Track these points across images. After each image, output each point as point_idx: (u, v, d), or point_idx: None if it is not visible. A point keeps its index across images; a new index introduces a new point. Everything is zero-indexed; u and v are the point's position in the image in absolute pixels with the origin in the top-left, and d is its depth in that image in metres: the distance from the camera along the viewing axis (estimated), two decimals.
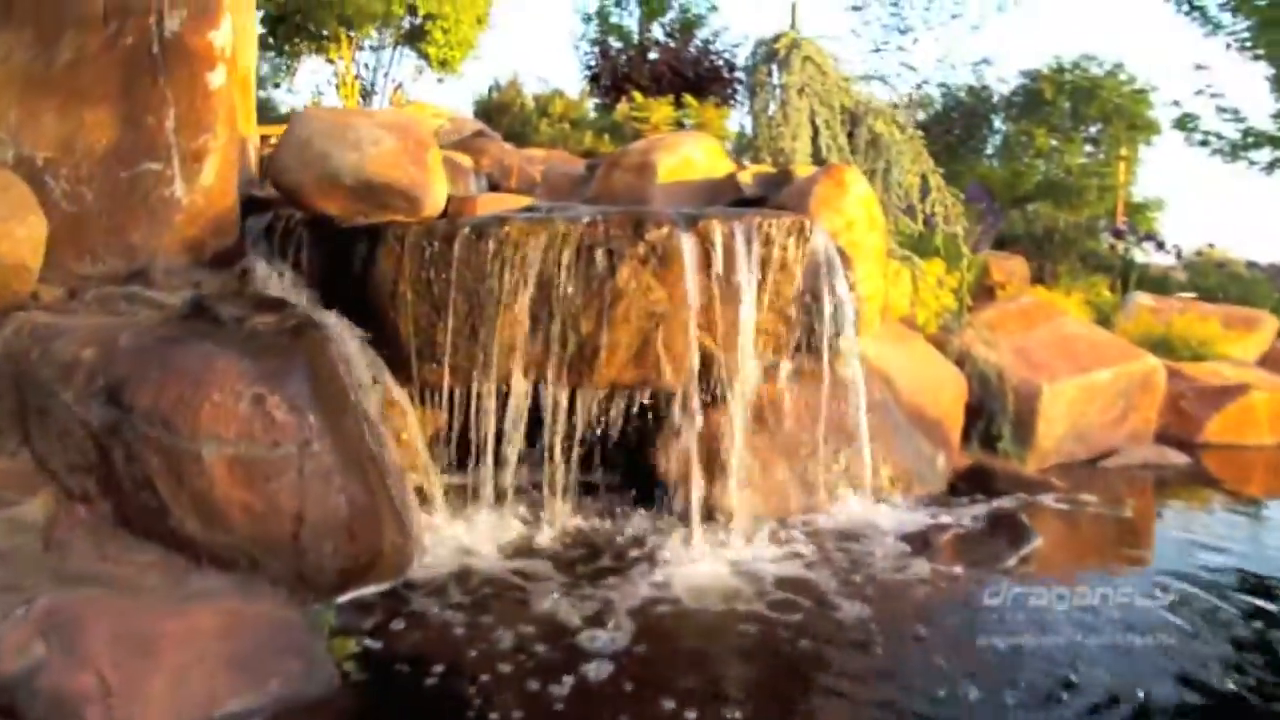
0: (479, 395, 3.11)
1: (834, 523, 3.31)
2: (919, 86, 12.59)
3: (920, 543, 3.09)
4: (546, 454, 3.19)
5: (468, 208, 3.44)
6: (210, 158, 2.66)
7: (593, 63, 10.22)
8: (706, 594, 2.57)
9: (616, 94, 9.04)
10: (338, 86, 6.73)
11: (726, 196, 4.27)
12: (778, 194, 4.01)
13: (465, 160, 5.43)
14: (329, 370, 2.46)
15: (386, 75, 8.63)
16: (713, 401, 3.24)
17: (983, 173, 9.98)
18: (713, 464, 3.22)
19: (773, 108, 4.72)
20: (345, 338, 2.82)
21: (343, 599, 2.38)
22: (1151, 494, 4.19)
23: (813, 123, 5.16)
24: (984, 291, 6.74)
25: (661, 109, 7.51)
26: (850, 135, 5.50)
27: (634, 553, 2.92)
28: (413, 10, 7.49)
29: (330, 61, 7.53)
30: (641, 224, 3.00)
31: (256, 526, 2.16)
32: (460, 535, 2.96)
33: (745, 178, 4.02)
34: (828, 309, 3.31)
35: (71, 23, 2.64)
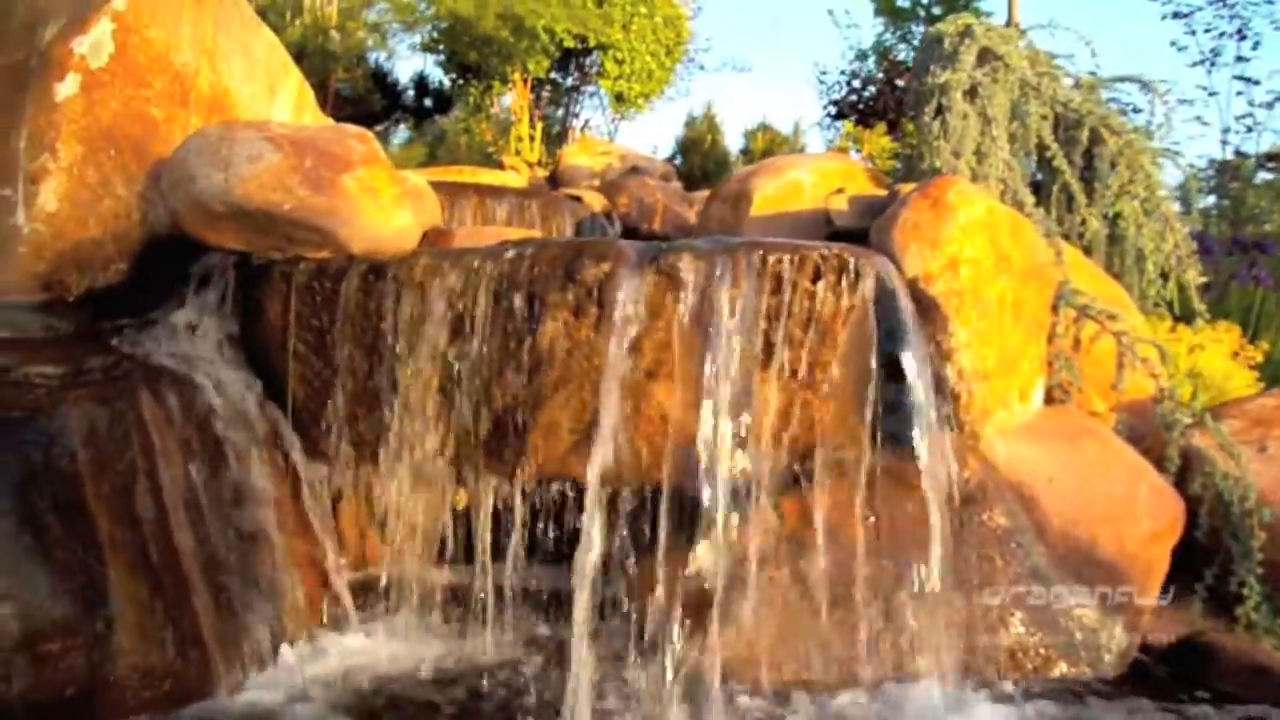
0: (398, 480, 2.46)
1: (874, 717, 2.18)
2: (1270, 106, 9.78)
3: None
4: (479, 562, 2.45)
5: (442, 241, 2.83)
6: (49, 181, 2.32)
7: (838, 96, 9.23)
8: None
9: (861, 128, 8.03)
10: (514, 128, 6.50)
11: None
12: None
13: (595, 200, 4.86)
14: (101, 438, 1.95)
15: (576, 115, 8.36)
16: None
17: None
18: (695, 604, 2.27)
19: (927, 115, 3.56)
20: (195, 399, 2.33)
21: None
22: None
23: (1024, 138, 3.90)
24: None
25: (876, 139, 6.43)
26: (1089, 154, 4.13)
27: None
28: (583, 41, 7.10)
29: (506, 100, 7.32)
30: (577, 259, 2.18)
31: None
32: (334, 657, 2.30)
33: (838, 203, 2.98)
34: (872, 386, 2.22)
35: None
